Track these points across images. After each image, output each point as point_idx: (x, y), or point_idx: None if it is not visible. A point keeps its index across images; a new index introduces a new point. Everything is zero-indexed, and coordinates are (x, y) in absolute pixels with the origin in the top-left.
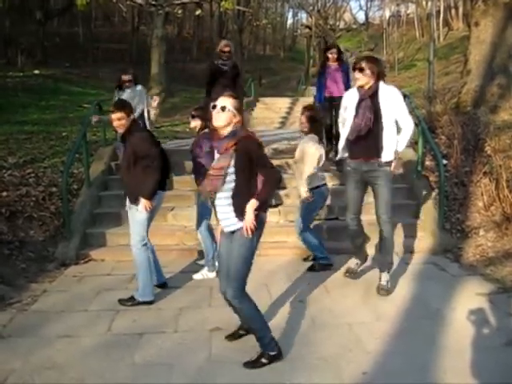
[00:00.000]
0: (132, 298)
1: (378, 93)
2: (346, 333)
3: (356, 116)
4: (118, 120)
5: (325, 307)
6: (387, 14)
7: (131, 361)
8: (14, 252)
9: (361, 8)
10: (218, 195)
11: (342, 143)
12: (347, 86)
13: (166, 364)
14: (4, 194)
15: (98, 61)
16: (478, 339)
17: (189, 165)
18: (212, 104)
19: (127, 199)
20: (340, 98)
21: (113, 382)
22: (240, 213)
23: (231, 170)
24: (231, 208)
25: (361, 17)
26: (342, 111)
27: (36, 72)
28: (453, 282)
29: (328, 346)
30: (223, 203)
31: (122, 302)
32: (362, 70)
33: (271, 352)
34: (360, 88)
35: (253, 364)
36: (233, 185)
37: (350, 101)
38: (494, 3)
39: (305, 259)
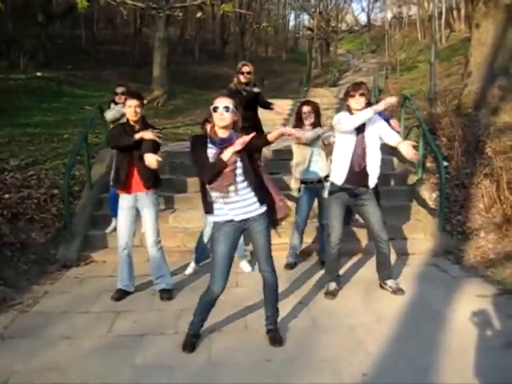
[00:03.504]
0: (167, 291)
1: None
2: (347, 334)
3: (356, 147)
4: (136, 107)
5: (326, 309)
6: (389, 15)
7: (132, 362)
8: (16, 254)
9: (363, 10)
10: (233, 188)
11: (340, 170)
12: None
13: (167, 365)
14: (6, 196)
15: (101, 63)
16: (479, 341)
17: (192, 166)
18: (212, 107)
19: (139, 195)
20: None
21: (113, 383)
22: (261, 197)
23: (239, 163)
24: (252, 194)
25: (363, 18)
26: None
27: (38, 74)
28: (453, 284)
29: (329, 348)
30: (241, 193)
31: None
32: (363, 95)
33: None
34: (352, 113)
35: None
36: (242, 177)
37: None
38: (494, 5)
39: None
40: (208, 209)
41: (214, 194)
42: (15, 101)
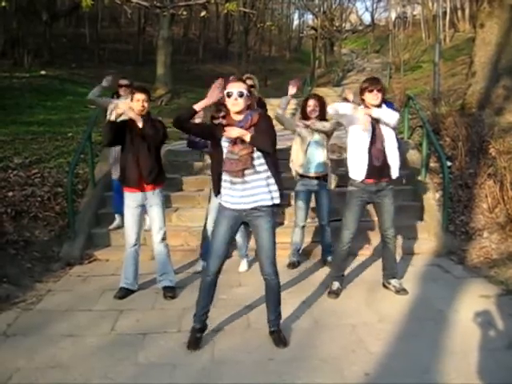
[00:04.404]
0: (171, 288)
1: None
2: (349, 334)
3: (375, 141)
4: (143, 101)
5: (328, 308)
6: (393, 15)
7: (135, 360)
8: (20, 252)
9: (367, 9)
10: (248, 172)
11: (359, 166)
12: None
13: (170, 364)
14: (10, 194)
15: (105, 62)
16: (482, 341)
17: (195, 165)
18: (226, 92)
19: (146, 195)
20: None
21: (116, 381)
22: (272, 188)
23: None
24: (267, 182)
25: (367, 18)
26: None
27: (42, 73)
28: (456, 284)
29: (331, 347)
30: (255, 179)
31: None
32: (380, 90)
33: None
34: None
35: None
36: (261, 160)
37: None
38: (499, 5)
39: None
40: (215, 190)
41: (224, 177)
42: (19, 99)
